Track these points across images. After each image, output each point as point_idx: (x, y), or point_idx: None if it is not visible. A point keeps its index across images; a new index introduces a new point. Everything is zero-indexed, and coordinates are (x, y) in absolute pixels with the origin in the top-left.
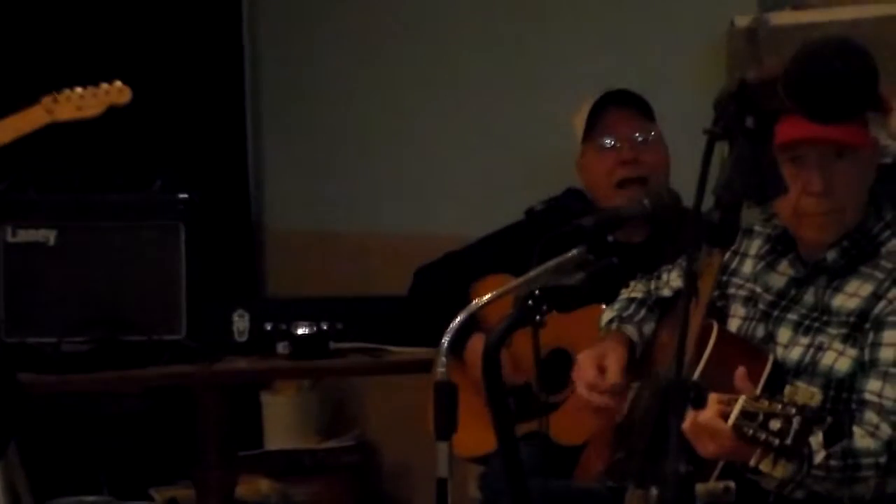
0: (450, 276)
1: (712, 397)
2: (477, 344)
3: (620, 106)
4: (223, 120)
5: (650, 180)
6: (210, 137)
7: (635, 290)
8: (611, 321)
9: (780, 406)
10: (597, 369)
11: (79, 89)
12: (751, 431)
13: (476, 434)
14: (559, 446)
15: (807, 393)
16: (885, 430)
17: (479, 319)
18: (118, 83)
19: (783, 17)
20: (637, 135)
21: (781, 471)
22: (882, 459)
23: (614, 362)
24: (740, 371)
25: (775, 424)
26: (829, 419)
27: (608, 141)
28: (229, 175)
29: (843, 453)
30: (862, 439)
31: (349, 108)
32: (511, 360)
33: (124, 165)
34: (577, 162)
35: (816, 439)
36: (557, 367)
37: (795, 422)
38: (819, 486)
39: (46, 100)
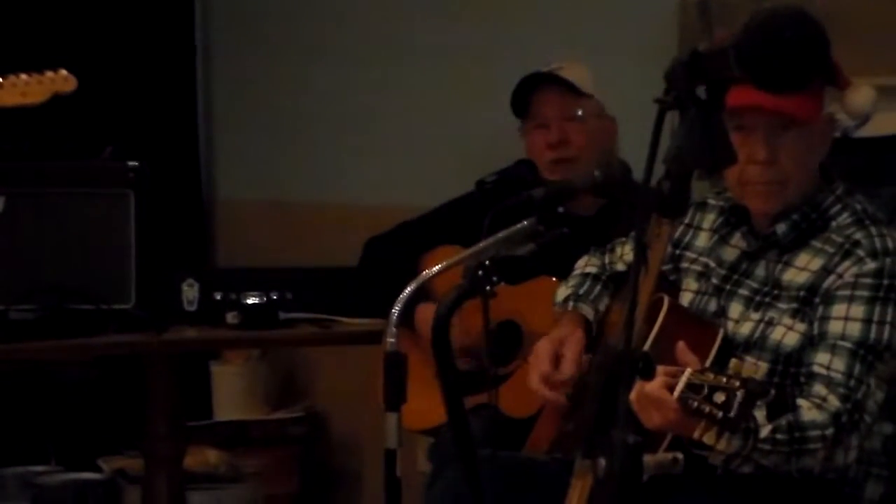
0: (399, 247)
1: (659, 370)
2: (426, 313)
3: (548, 85)
4: (174, 87)
5: (580, 159)
6: (160, 105)
7: (590, 264)
8: (566, 299)
9: (724, 379)
10: (552, 361)
11: (24, 76)
12: (696, 404)
13: (426, 407)
14: (508, 418)
15: (751, 366)
16: (833, 402)
17: (428, 290)
18: (63, 71)
19: None
20: (565, 113)
21: (725, 444)
22: (829, 432)
23: (571, 352)
24: (681, 345)
25: (719, 397)
26: (772, 392)
27: (537, 121)
28: (180, 143)
29: (790, 427)
30: (808, 412)
31: (302, 78)
32: (461, 327)
33: (74, 133)
34: (522, 136)
35: (761, 413)
36: (507, 338)
37: (739, 395)
38: (766, 461)
39: None
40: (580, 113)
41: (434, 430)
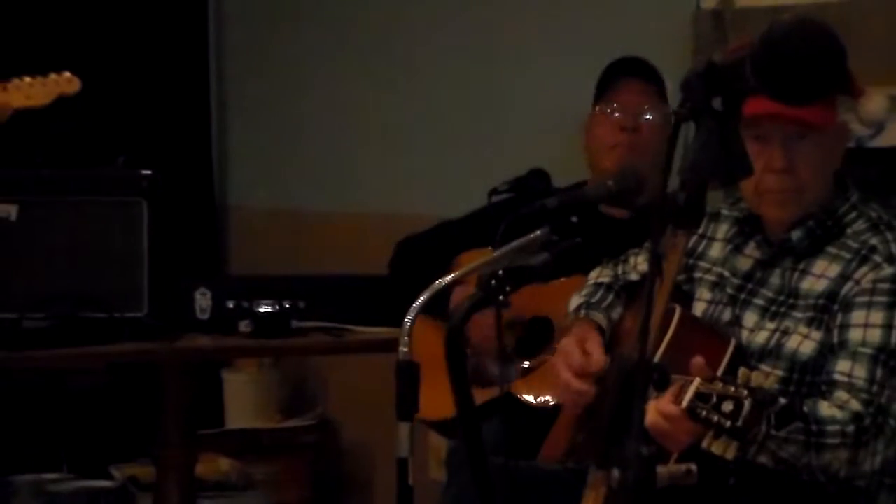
0: (432, 249)
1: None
2: (462, 295)
3: (639, 79)
4: (187, 96)
5: (646, 152)
6: (174, 114)
7: (602, 275)
8: (578, 308)
9: (733, 388)
10: (582, 354)
11: (28, 78)
12: (704, 413)
13: (442, 397)
14: (525, 406)
15: (760, 375)
16: (854, 405)
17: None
18: (67, 74)
19: (749, 0)
20: (642, 108)
21: (733, 453)
22: (849, 429)
23: (596, 346)
24: (697, 360)
25: (727, 406)
26: (781, 401)
27: (615, 107)
28: (193, 152)
29: (806, 418)
30: (828, 409)
31: (313, 87)
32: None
33: (87, 141)
34: (585, 123)
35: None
36: (538, 333)
37: (747, 404)
38: (782, 451)
39: None
40: (658, 116)
41: (450, 421)
